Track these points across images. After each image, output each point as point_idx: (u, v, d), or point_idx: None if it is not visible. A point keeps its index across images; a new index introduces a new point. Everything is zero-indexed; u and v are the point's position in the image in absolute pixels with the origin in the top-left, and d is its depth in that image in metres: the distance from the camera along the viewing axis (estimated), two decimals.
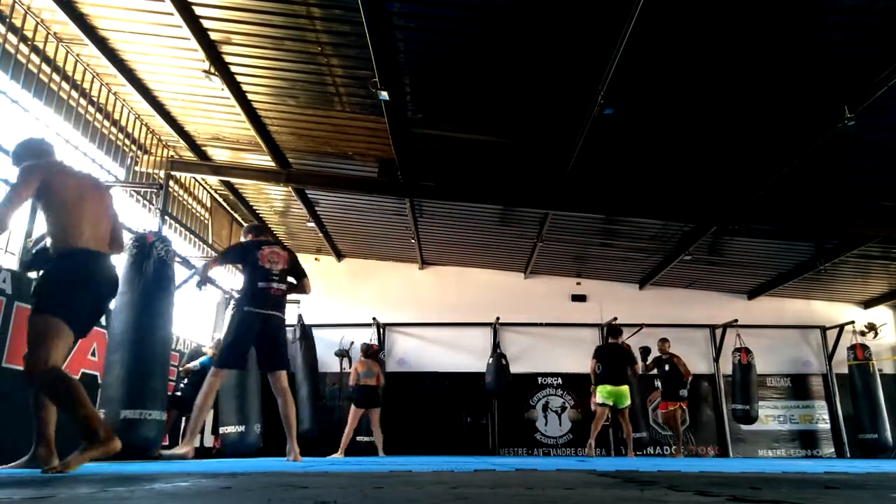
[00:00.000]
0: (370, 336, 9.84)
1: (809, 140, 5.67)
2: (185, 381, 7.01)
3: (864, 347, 9.58)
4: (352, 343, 9.83)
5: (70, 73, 5.56)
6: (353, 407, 7.51)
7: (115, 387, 4.54)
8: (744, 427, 9.74)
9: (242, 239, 4.52)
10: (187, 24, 4.75)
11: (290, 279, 4.36)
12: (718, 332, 10.17)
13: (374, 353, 9.03)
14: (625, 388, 6.96)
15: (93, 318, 2.98)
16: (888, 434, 9.17)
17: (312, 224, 9.02)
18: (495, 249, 9.78)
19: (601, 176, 6.91)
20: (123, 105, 6.43)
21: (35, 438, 2.90)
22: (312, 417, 8.58)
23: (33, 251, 3.19)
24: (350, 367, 9.69)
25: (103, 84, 6.05)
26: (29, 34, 5.06)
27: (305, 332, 9.09)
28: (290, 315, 8.72)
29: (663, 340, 8.46)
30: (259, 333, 4.06)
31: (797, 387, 10.12)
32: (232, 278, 9.41)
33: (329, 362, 9.63)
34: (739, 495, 1.45)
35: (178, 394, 6.87)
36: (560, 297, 10.58)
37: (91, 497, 1.45)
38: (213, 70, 5.27)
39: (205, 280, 4.37)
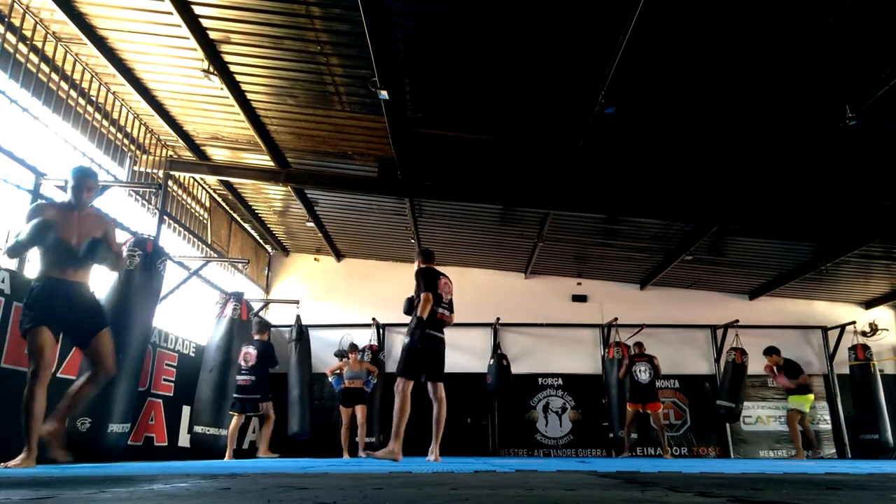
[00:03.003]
0: (370, 336, 9.83)
1: (811, 139, 5.66)
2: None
3: (866, 348, 9.56)
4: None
5: (69, 73, 5.55)
6: (341, 406, 7.76)
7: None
8: (745, 427, 9.74)
9: (421, 261, 4.91)
10: (186, 24, 4.74)
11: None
12: (720, 332, 10.17)
13: (373, 353, 9.02)
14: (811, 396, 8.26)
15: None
16: (889, 435, 9.16)
17: (312, 224, 9.01)
18: (495, 249, 9.77)
19: (602, 175, 6.90)
20: (122, 104, 6.43)
21: None
22: (303, 419, 8.55)
23: None
24: None
25: (102, 83, 6.04)
26: (28, 33, 5.05)
27: (301, 333, 9.06)
28: (302, 315, 8.82)
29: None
30: (433, 352, 4.67)
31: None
32: (231, 278, 9.40)
33: (330, 362, 9.61)
34: (740, 496, 1.44)
35: None
36: (561, 297, 10.57)
37: (90, 497, 1.44)
38: (212, 69, 5.26)
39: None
